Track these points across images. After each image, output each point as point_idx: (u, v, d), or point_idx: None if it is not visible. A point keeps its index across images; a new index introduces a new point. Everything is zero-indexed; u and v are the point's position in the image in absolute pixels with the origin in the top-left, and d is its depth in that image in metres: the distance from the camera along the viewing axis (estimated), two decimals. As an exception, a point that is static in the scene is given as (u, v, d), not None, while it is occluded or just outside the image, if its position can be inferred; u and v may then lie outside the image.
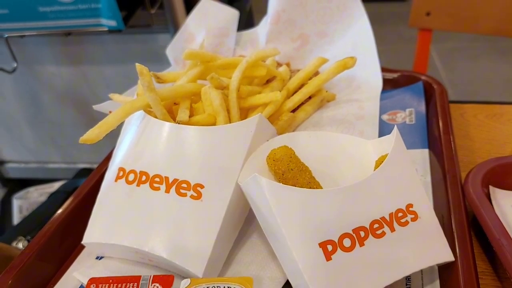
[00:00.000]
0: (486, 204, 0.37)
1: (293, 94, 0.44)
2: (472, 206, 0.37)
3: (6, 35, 0.95)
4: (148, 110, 0.39)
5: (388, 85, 0.58)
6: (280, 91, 0.43)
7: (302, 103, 0.45)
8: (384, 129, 0.52)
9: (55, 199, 1.03)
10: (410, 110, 0.54)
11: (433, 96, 0.53)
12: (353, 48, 0.54)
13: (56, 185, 1.12)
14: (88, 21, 0.91)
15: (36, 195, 1.12)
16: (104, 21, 0.90)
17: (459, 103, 0.57)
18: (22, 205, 1.09)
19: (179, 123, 0.37)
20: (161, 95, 0.38)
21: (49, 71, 1.17)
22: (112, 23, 0.89)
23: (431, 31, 1.25)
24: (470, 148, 0.48)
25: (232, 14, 0.62)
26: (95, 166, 1.41)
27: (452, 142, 0.45)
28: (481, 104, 0.56)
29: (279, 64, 0.56)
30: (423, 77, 0.56)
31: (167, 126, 0.36)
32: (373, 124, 0.43)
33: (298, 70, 0.51)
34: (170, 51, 0.58)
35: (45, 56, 1.13)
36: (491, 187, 0.41)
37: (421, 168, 0.45)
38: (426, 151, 0.47)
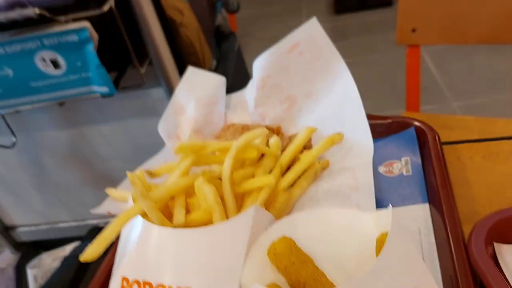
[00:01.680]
0: (491, 269, 0.37)
1: (286, 169, 0.45)
2: (478, 271, 0.37)
3: (2, 112, 0.97)
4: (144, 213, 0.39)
5: (381, 132, 0.58)
6: (273, 170, 0.43)
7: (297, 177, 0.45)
8: (382, 183, 0.52)
9: (68, 265, 1.03)
10: (405, 159, 0.54)
11: (426, 143, 0.53)
12: (340, 106, 0.54)
13: (68, 249, 1.12)
14: (80, 90, 0.92)
15: (49, 261, 1.13)
16: (95, 88, 0.91)
17: (454, 144, 0.57)
18: (36, 274, 1.09)
19: (176, 227, 0.37)
20: (155, 198, 0.38)
21: (49, 136, 1.18)
22: (104, 89, 0.91)
23: (419, 47, 1.26)
24: (469, 196, 0.48)
25: (219, 81, 0.63)
26: (103, 221, 1.41)
27: (451, 198, 0.45)
28: (477, 143, 0.56)
29: (270, 130, 0.57)
30: (415, 123, 0.57)
31: (165, 232, 0.37)
32: (369, 195, 0.43)
33: (290, 137, 0.52)
34: (162, 127, 0.59)
35: (43, 124, 1.15)
36: (496, 244, 0.40)
37: (424, 227, 0.45)
38: (427, 207, 0.47)
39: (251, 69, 0.61)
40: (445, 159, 0.50)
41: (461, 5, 1.14)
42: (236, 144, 0.42)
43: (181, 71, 1.12)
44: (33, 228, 1.42)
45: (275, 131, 0.57)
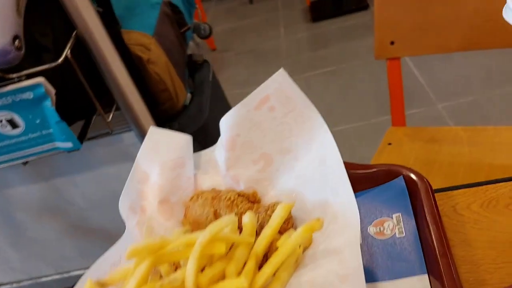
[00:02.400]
0: None
1: (263, 258, 0.39)
2: None
3: (-37, 177, 0.90)
4: None
5: (367, 182, 0.53)
6: (247, 262, 0.37)
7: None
8: (373, 247, 0.46)
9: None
10: (397, 216, 0.48)
11: (417, 194, 0.48)
12: (320, 164, 0.48)
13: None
14: (43, 147, 0.86)
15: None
16: (59, 144, 0.85)
17: (448, 191, 0.51)
18: None
19: None
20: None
21: (20, 192, 1.12)
22: (68, 145, 0.84)
23: (399, 59, 1.21)
24: (473, 260, 0.43)
25: (185, 140, 0.56)
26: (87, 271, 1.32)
27: (452, 268, 0.39)
28: (473, 188, 0.50)
29: (245, 197, 0.51)
30: (404, 172, 0.51)
31: None
32: (360, 284, 0.37)
33: (267, 209, 0.46)
34: (123, 203, 0.52)
35: (12, 181, 1.08)
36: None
37: (425, 305, 0.39)
38: (425, 278, 0.41)
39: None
40: (440, 211, 0.45)
41: (437, 13, 1.10)
42: (200, 240, 0.36)
43: (153, 110, 1.06)
44: (14, 285, 1.34)
45: (251, 198, 0.51)
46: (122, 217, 0.52)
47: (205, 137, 1.23)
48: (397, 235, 0.46)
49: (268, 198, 0.53)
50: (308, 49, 3.05)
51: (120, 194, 0.53)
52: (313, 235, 0.43)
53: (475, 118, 1.96)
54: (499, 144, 1.09)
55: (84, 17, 0.85)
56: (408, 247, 0.45)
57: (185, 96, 1.23)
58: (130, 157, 1.10)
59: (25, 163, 0.90)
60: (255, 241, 0.40)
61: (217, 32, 3.38)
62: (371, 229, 0.48)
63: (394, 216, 0.48)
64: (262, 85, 0.50)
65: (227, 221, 0.38)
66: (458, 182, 1.03)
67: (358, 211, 0.42)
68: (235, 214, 0.47)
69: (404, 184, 0.50)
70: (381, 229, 0.47)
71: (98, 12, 0.89)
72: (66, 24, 0.85)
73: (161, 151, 0.56)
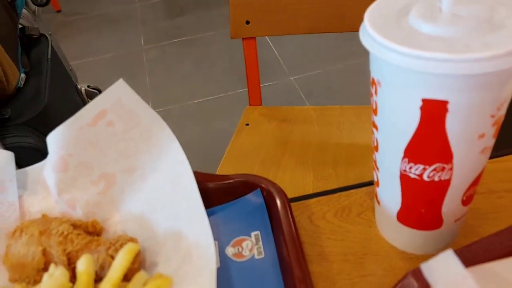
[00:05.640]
0: None
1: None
2: None
3: None
4: None
5: (223, 194, 0.49)
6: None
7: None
8: (231, 270, 0.43)
9: None
10: (256, 235, 0.46)
11: (275, 208, 0.46)
12: (172, 188, 0.43)
13: None
14: None
15: None
16: None
17: (304, 200, 0.50)
18: None
19: None
20: None
21: None
22: None
23: (255, 39, 1.20)
24: (329, 276, 0.42)
25: (3, 157, 0.46)
26: None
27: (311, 294, 0.38)
28: (327, 196, 0.50)
29: (81, 228, 0.43)
30: (261, 184, 0.48)
31: None
32: None
33: (108, 248, 0.39)
34: None
35: None
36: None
37: None
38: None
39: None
40: (297, 222, 0.43)
41: (289, -2, 1.12)
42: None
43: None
44: None
45: (90, 228, 0.44)
46: None
47: (45, 125, 1.07)
48: (256, 256, 0.44)
49: (112, 223, 0.46)
50: (165, 16, 2.90)
51: None
52: (165, 273, 0.37)
53: (321, 88, 2.09)
54: (343, 123, 1.17)
55: None
56: (267, 270, 0.42)
57: (18, 77, 1.05)
58: None
59: None
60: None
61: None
62: (230, 250, 0.45)
63: (253, 234, 0.46)
64: (97, 98, 0.42)
65: (53, 280, 0.30)
66: (308, 163, 1.07)
67: (214, 249, 0.37)
68: (67, 254, 0.40)
69: (262, 197, 0.48)
70: (240, 249, 0.44)
71: None
72: None
73: (-29, 173, 0.44)
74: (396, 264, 0.42)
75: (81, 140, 0.43)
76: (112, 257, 0.38)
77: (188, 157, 0.43)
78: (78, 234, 0.41)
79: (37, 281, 0.40)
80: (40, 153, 1.01)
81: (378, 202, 0.43)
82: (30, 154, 1.00)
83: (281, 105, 1.32)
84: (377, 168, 0.41)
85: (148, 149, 0.44)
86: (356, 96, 1.97)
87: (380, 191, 0.42)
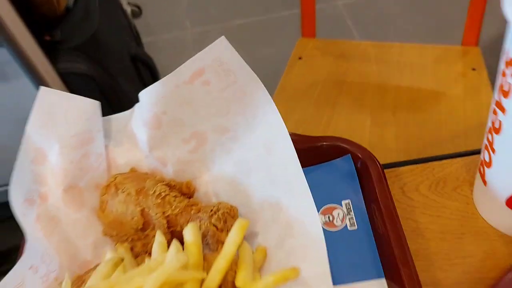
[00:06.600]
0: None
1: None
2: None
3: None
4: None
5: (309, 157, 0.47)
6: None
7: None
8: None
9: None
10: (347, 203, 0.44)
11: (368, 178, 0.44)
12: (267, 151, 0.41)
13: None
14: None
15: None
16: None
17: (395, 167, 0.48)
18: None
19: None
20: None
21: None
22: None
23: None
24: (426, 255, 0.41)
25: (91, 106, 0.44)
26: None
27: (414, 276, 0.37)
28: (420, 165, 0.48)
29: (176, 189, 0.42)
30: (352, 149, 0.46)
31: None
32: None
33: (211, 215, 0.38)
34: (15, 196, 0.40)
35: None
36: None
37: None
38: (383, 284, 0.39)
39: None
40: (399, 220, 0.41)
41: None
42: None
43: (27, 17, 0.85)
44: None
45: (184, 189, 0.43)
46: (15, 215, 0.40)
47: (96, 50, 1.04)
48: (348, 228, 0.43)
49: (202, 182, 0.45)
50: None
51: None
52: (268, 251, 0.37)
53: (372, 17, 1.97)
54: (404, 64, 1.11)
55: None
56: (361, 243, 0.41)
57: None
58: (5, 76, 0.90)
59: None
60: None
61: None
62: (320, 218, 0.44)
63: (343, 203, 0.44)
64: (197, 55, 0.38)
65: (177, 262, 0.30)
66: (365, 106, 1.03)
67: (320, 226, 0.36)
68: (167, 216, 0.39)
69: (353, 164, 0.46)
70: (330, 218, 0.43)
71: None
72: None
73: (60, 122, 0.43)
74: (498, 248, 0.41)
75: (176, 98, 0.41)
76: (216, 227, 0.37)
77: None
78: (175, 197, 0.40)
79: (135, 240, 0.40)
80: (93, 81, 1.00)
81: (485, 183, 0.41)
82: (83, 81, 0.98)
83: (327, 35, 1.24)
84: (493, 150, 0.38)
85: (242, 109, 0.41)
86: (416, 31, 1.84)
87: (492, 173, 0.40)
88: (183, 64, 0.39)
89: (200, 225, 0.37)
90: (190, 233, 0.34)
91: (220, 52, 0.38)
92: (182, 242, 0.36)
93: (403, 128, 0.96)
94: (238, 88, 0.40)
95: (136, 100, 0.44)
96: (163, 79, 0.39)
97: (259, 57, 1.78)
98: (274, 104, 0.41)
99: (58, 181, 0.43)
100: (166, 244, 0.35)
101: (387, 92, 1.05)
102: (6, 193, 0.40)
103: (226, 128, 0.42)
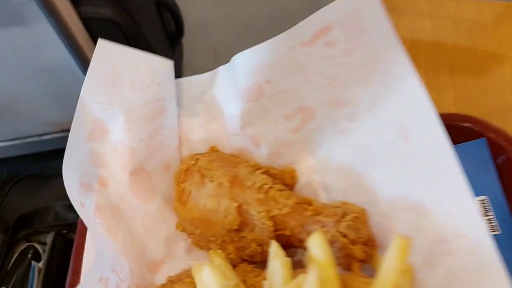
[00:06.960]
0: None
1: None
2: None
3: None
4: None
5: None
6: None
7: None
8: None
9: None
10: (484, 200, 0.36)
11: (510, 170, 0.35)
12: (403, 136, 0.31)
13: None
14: None
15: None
16: None
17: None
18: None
19: None
20: None
21: None
22: None
23: None
24: None
25: (163, 66, 0.34)
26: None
27: None
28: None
29: (277, 179, 0.33)
30: (489, 134, 0.37)
31: None
32: None
33: (337, 220, 0.29)
34: (69, 180, 0.31)
35: None
36: None
37: None
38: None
39: None
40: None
41: None
42: None
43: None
44: None
45: (287, 180, 0.33)
46: (72, 202, 0.31)
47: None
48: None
49: (302, 169, 0.35)
50: None
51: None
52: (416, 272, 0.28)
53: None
54: (461, 21, 0.99)
55: None
56: (510, 252, 0.33)
57: None
58: (23, 20, 0.78)
59: None
60: None
61: None
62: (446, 217, 0.35)
63: (479, 200, 0.36)
64: (325, 8, 0.28)
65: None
66: (419, 66, 0.93)
67: (491, 242, 0.27)
68: (272, 217, 0.30)
69: (489, 151, 0.37)
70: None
71: None
72: None
73: (125, 87, 0.33)
74: None
75: (287, 63, 0.30)
76: (345, 236, 0.28)
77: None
78: (279, 191, 0.31)
79: (227, 242, 0.31)
80: (119, 28, 0.88)
81: None
82: (107, 27, 0.86)
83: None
84: None
85: (367, 80, 0.31)
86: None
87: None
88: (302, 21, 0.28)
89: (324, 233, 0.28)
90: (318, 246, 0.25)
91: (359, 4, 0.28)
92: (285, 247, 0.28)
93: (463, 93, 0.87)
94: (369, 51, 0.30)
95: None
96: (271, 40, 0.29)
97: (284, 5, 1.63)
98: (417, 76, 0.31)
99: (123, 162, 0.34)
100: (290, 267, 0.26)
101: (442, 52, 0.94)
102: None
103: (342, 103, 0.32)
